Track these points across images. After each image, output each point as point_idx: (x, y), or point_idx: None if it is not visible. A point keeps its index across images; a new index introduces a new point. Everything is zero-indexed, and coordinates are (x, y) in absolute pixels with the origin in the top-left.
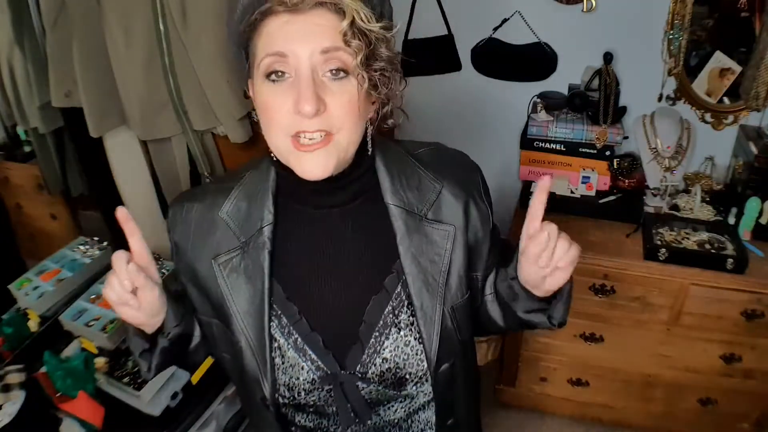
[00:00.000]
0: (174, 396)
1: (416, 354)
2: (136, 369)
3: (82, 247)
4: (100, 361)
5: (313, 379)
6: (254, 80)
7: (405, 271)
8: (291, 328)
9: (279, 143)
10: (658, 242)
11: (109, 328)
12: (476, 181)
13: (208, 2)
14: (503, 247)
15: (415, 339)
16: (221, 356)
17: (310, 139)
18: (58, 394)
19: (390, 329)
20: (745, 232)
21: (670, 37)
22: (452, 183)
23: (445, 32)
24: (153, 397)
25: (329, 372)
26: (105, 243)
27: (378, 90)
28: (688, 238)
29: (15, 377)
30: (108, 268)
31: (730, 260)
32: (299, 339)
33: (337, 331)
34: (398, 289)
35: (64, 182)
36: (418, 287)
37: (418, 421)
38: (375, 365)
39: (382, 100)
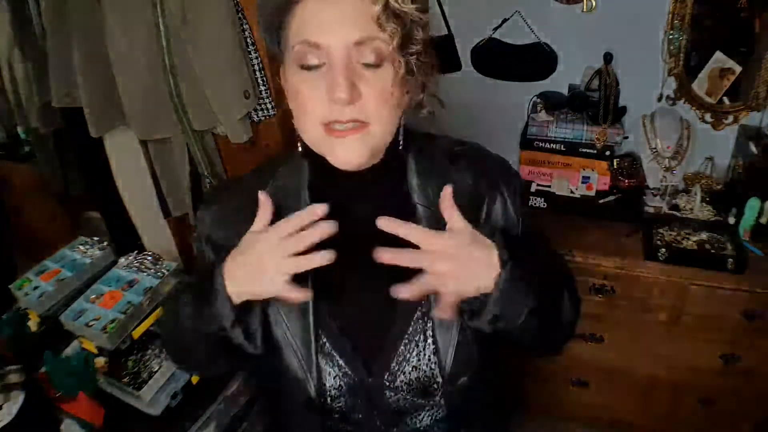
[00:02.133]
0: (174, 396)
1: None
2: (136, 369)
3: (82, 247)
4: (100, 361)
5: (339, 385)
6: (285, 66)
7: None
8: (318, 330)
9: (311, 132)
10: (658, 242)
11: (109, 328)
12: (511, 187)
13: (209, 2)
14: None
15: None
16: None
17: (344, 125)
18: (58, 394)
19: (419, 336)
20: (744, 232)
21: (670, 37)
22: (484, 186)
23: (445, 32)
24: (153, 397)
25: (356, 379)
26: (105, 243)
27: (414, 75)
28: (688, 238)
29: (15, 377)
30: (108, 268)
31: (730, 260)
32: (327, 344)
33: (366, 336)
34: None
35: (64, 182)
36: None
37: (443, 430)
38: (404, 373)
39: (416, 86)
